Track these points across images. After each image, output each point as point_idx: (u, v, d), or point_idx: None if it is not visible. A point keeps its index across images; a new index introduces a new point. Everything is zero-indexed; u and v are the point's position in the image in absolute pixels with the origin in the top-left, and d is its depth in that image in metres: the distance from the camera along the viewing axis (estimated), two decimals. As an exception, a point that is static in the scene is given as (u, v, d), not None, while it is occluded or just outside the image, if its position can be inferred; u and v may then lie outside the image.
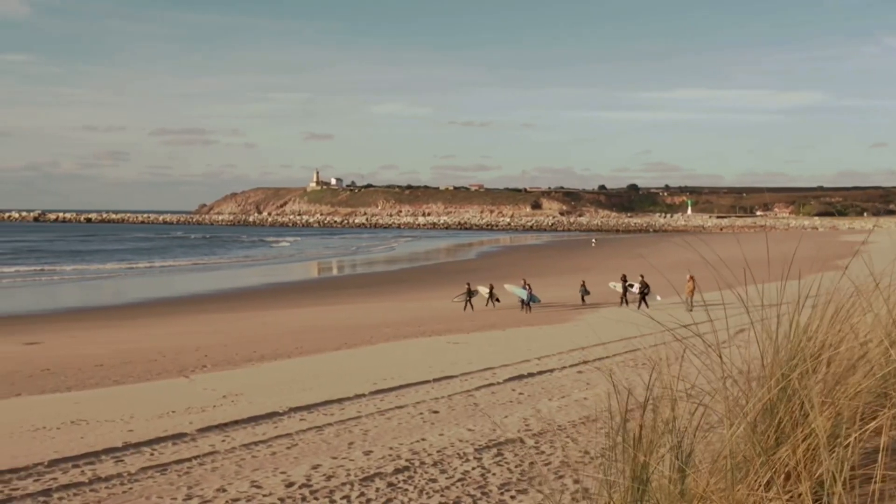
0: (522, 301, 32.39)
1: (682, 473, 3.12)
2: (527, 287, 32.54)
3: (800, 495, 2.80)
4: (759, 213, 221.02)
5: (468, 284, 33.64)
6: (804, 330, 3.41)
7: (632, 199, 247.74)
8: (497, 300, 33.52)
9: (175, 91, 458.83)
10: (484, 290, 34.03)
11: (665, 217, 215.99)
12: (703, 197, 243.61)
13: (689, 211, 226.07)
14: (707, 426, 3.46)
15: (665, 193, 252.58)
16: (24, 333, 27.16)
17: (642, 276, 32.77)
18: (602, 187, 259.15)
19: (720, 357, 3.68)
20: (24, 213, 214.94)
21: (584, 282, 34.68)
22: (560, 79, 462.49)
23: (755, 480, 2.97)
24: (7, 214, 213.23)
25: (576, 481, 8.95)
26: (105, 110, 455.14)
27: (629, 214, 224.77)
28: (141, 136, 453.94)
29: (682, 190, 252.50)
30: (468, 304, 32.64)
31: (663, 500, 3.06)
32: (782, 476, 2.96)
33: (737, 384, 3.45)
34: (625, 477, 3.25)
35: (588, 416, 12.56)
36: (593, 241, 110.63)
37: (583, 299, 33.88)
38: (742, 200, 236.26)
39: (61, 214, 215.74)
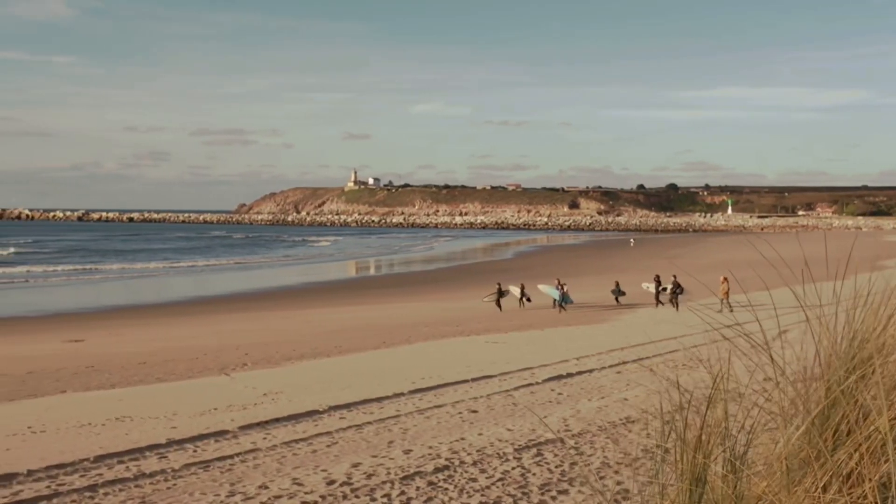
0: (556, 301, 32.20)
1: (738, 475, 3.06)
2: (560, 287, 32.32)
3: (863, 497, 2.74)
4: (801, 212, 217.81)
5: (498, 284, 33.49)
6: (861, 330, 3.34)
7: (671, 198, 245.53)
8: (528, 300, 33.36)
9: (215, 92, 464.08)
10: (515, 290, 33.87)
11: (705, 217, 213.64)
12: (743, 196, 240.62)
13: (730, 210, 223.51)
14: (758, 427, 3.41)
15: (705, 193, 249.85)
16: (69, 331, 27.63)
17: (675, 277, 32.43)
18: (641, 187, 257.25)
19: (770, 357, 3.62)
20: (68, 213, 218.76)
21: (617, 282, 34.40)
22: (599, 77, 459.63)
23: (812, 483, 2.91)
24: (52, 214, 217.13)
25: (618, 482, 8.89)
26: (146, 111, 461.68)
27: (668, 214, 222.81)
28: (181, 137, 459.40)
29: (723, 189, 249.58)
30: (498, 304, 32.53)
31: (721, 502, 3.00)
32: (841, 478, 2.90)
33: (790, 384, 3.38)
34: (681, 479, 3.20)
35: (628, 417, 12.46)
36: (632, 241, 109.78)
37: (616, 300, 33.61)
38: (784, 200, 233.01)
39: (104, 214, 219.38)
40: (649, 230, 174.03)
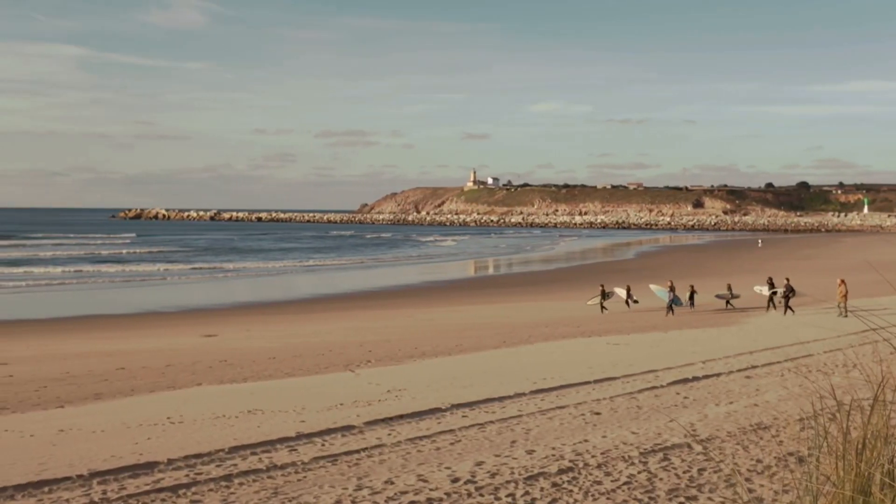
0: (671, 303, 31.40)
1: None
2: (670, 290, 31.45)
3: None
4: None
5: (602, 286, 32.92)
6: None
7: (801, 197, 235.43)
8: (635, 301, 32.69)
9: (339, 94, 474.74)
10: (621, 292, 33.23)
11: (839, 216, 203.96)
12: (881, 195, 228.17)
13: (866, 210, 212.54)
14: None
15: (839, 191, 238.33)
16: (204, 326, 28.90)
17: (787, 280, 31.13)
18: (769, 185, 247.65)
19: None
20: (201, 213, 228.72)
21: (729, 285, 33.31)
22: (724, 72, 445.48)
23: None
24: (187, 213, 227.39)
25: (749, 490, 8.61)
26: (274, 114, 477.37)
27: (799, 213, 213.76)
28: (307, 138, 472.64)
29: (858, 188, 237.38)
30: (602, 306, 31.98)
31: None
32: None
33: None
34: (841, 487, 3.08)
35: (759, 423, 12.06)
36: (760, 241, 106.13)
37: (727, 303, 32.55)
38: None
39: (234, 214, 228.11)
40: (778, 230, 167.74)
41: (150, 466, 10.34)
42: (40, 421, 13.65)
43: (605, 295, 32.42)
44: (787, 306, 30.47)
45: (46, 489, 9.50)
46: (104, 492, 9.35)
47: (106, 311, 36.31)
